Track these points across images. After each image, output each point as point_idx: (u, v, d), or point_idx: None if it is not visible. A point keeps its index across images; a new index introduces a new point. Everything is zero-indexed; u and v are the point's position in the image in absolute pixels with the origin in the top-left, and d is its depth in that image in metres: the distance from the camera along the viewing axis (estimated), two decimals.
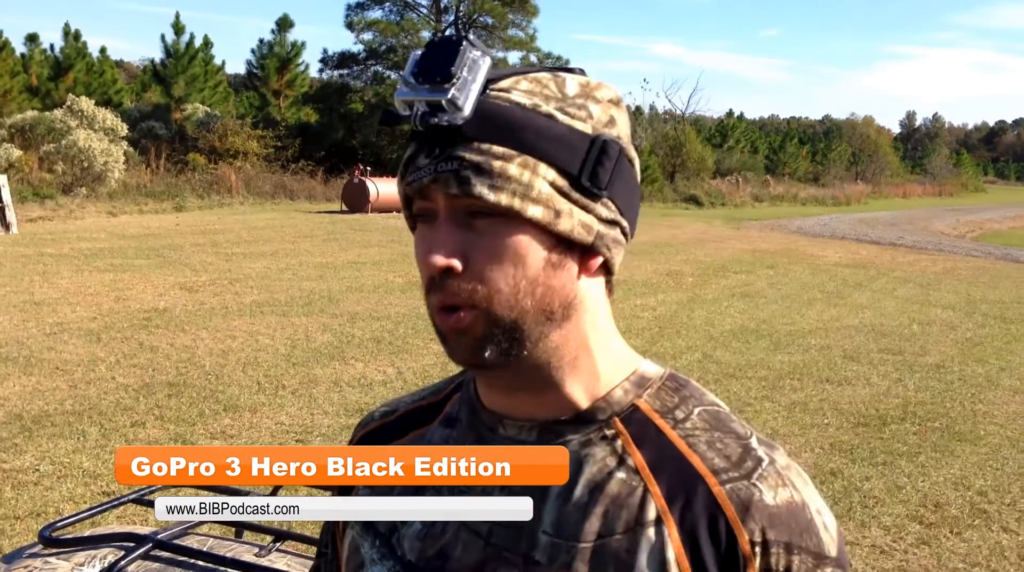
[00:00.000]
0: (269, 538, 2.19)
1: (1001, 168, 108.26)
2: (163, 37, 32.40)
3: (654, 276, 14.19)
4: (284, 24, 34.84)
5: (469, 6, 33.71)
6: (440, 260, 0.79)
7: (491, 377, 0.86)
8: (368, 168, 25.57)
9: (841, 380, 7.80)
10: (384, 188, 24.20)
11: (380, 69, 34.41)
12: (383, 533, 0.90)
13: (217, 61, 35.41)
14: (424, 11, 34.53)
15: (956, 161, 79.60)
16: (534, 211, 0.78)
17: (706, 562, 0.79)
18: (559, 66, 0.86)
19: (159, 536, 2.05)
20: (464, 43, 0.77)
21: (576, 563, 0.80)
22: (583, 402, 0.85)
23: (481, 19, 33.98)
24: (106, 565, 1.97)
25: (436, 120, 0.77)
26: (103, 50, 35.36)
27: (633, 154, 0.85)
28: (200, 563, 1.98)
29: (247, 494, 2.40)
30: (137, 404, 6.25)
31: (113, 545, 2.07)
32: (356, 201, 23.85)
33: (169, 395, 6.49)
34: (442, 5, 34.26)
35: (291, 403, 6.45)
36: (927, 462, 5.77)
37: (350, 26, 33.49)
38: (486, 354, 0.81)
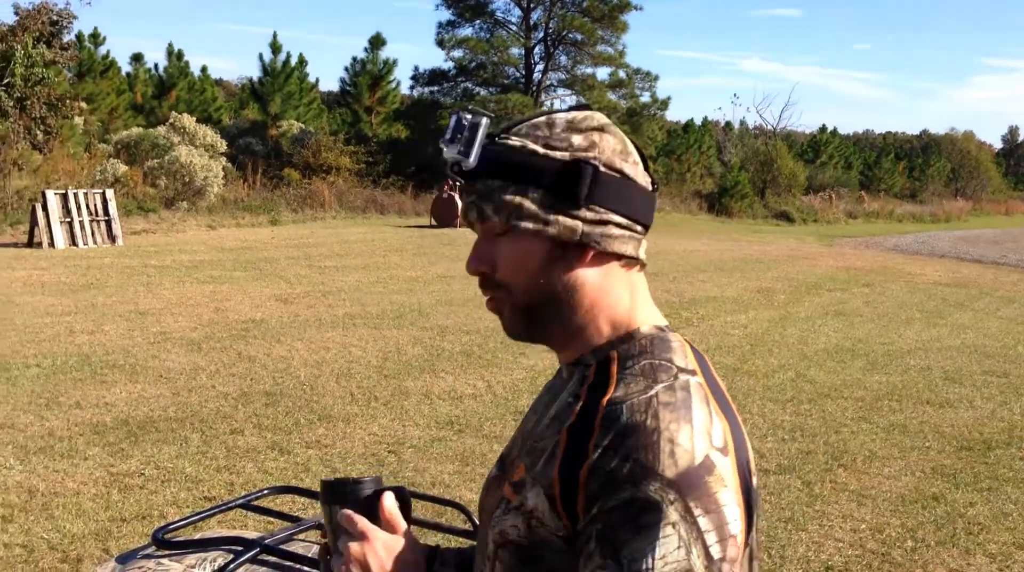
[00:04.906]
0: None
1: None
2: (261, 56, 33.34)
3: (744, 293, 13.97)
4: (377, 42, 35.48)
5: (558, 23, 33.81)
6: (472, 266, 1.13)
7: (529, 338, 1.17)
8: (457, 183, 25.74)
9: (942, 402, 7.55)
10: None
11: (470, 86, 34.76)
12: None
13: (312, 79, 36.28)
14: (514, 28, 34.78)
15: None
16: (527, 224, 1.08)
17: (569, 459, 1.02)
18: (579, 105, 1.19)
19: (267, 541, 2.10)
20: (460, 113, 1.10)
21: (523, 456, 1.11)
22: (584, 351, 1.13)
23: (570, 35, 34.05)
24: (216, 568, 2.03)
25: (456, 168, 1.11)
26: (204, 69, 36.61)
27: (621, 164, 1.10)
28: (306, 568, 2.02)
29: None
30: (236, 412, 6.42)
31: (222, 548, 2.12)
32: (445, 216, 24.11)
33: (266, 404, 6.65)
34: (531, 22, 34.44)
35: (383, 414, 6.54)
36: None
37: (441, 44, 33.94)
38: (517, 328, 1.15)
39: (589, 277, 1.11)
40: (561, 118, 1.11)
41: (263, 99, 33.34)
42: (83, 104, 24.08)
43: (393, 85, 36.23)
